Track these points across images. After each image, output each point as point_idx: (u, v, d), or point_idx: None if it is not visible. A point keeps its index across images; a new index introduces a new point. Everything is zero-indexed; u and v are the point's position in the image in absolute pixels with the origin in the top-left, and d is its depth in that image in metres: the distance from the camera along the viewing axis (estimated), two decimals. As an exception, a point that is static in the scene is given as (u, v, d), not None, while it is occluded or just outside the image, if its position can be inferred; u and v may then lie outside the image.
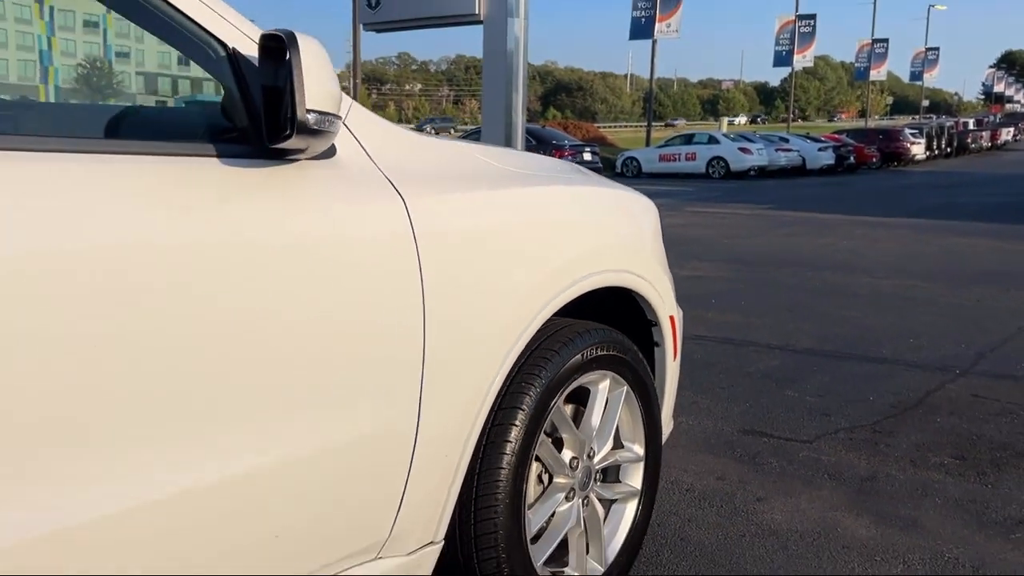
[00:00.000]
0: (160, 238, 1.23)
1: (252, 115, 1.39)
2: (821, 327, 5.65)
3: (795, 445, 3.47)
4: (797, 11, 43.85)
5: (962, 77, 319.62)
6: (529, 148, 13.38)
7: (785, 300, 6.65)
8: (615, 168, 27.35)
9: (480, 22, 12.06)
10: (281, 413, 1.40)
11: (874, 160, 32.98)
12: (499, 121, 9.72)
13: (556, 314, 2.00)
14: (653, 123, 35.74)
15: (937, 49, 63.76)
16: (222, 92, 1.45)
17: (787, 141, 30.30)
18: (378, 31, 18.38)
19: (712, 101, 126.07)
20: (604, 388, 2.17)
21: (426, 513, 1.74)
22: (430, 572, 1.84)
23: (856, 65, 54.72)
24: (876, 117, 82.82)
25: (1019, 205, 16.23)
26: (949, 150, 41.46)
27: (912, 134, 37.08)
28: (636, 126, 77.87)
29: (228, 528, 1.36)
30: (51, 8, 1.44)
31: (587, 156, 22.10)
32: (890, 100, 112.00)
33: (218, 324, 1.31)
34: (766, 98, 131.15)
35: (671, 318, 2.43)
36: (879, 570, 2.47)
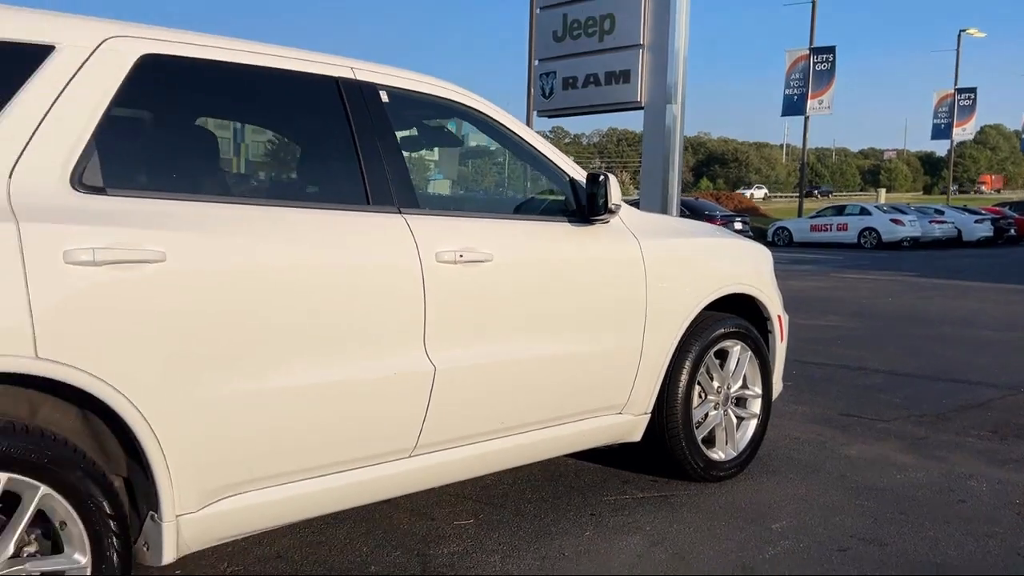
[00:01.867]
0: (557, 251, 3.16)
1: (579, 205, 3.30)
2: (925, 361, 7.08)
3: (877, 422, 5.04)
4: (956, 84, 43.84)
5: None
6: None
7: (901, 343, 8.07)
8: (767, 237, 28.49)
9: (641, 108, 14.18)
10: (596, 330, 3.29)
11: (1037, 232, 32.52)
12: (656, 194, 11.56)
13: (708, 307, 3.79)
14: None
15: (1118, 118, 60.94)
16: (564, 194, 3.38)
17: (942, 213, 30.57)
18: (550, 116, 20.74)
19: (873, 172, 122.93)
20: (737, 350, 3.94)
21: (644, 395, 3.56)
22: (642, 431, 3.65)
23: (1022, 136, 53.40)
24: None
25: None
26: None
27: (1083, 206, 36.15)
28: (790, 196, 77.69)
29: (575, 372, 3.24)
30: (507, 159, 3.48)
31: (737, 226, 23.56)
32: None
33: (578, 286, 3.21)
34: (931, 168, 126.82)
35: (779, 316, 4.17)
36: (910, 475, 4.05)
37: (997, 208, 34.78)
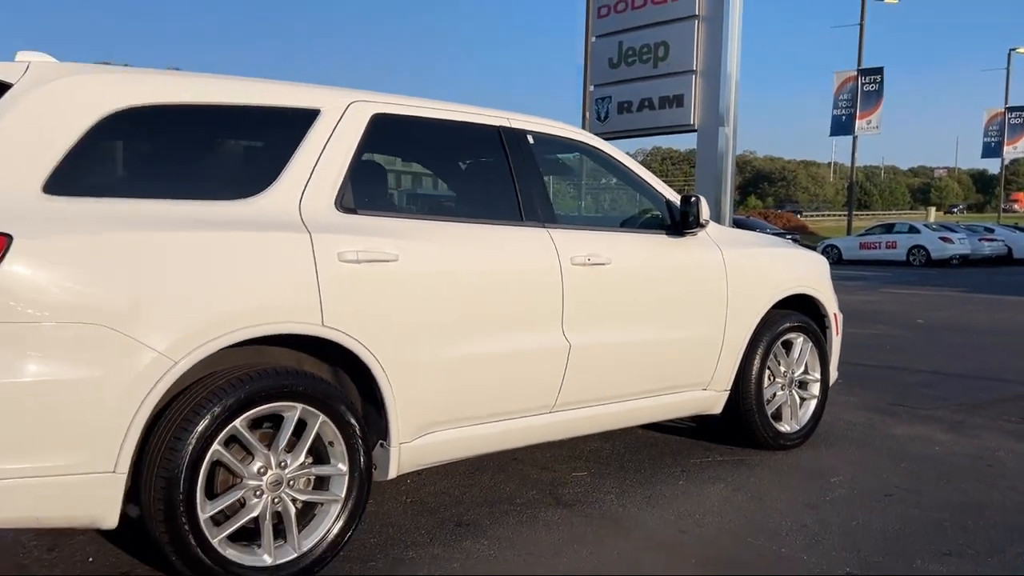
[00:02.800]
0: (658, 257, 4.04)
1: (674, 221, 4.16)
2: (966, 364, 7.78)
3: (920, 410, 5.80)
4: (1007, 103, 43.87)
5: None
6: (738, 236, 15.88)
7: (945, 349, 8.76)
8: (815, 255, 28.88)
9: (695, 130, 15.06)
10: (688, 320, 4.14)
11: (1091, 250, 32.45)
12: (710, 213, 12.33)
13: (776, 305, 4.62)
14: (861, 212, 36.83)
15: None
16: (658, 211, 4.24)
17: (992, 231, 30.75)
18: (605, 139, 21.61)
19: (923, 190, 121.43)
20: (800, 341, 4.75)
21: (725, 375, 4.40)
22: (723, 405, 4.48)
23: (1077, 153, 53.02)
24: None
25: None
26: None
27: None
28: (839, 215, 77.23)
29: (672, 353, 4.10)
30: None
31: (788, 244, 24.15)
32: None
33: (674, 285, 4.08)
34: (983, 186, 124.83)
35: (835, 314, 4.98)
36: (947, 448, 4.81)
37: (1049, 226, 34.79)
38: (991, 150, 44.50)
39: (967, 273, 24.32)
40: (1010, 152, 44.78)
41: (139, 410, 2.61)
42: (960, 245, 27.84)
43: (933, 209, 52.24)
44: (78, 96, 2.73)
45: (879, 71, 33.20)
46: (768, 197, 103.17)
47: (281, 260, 2.88)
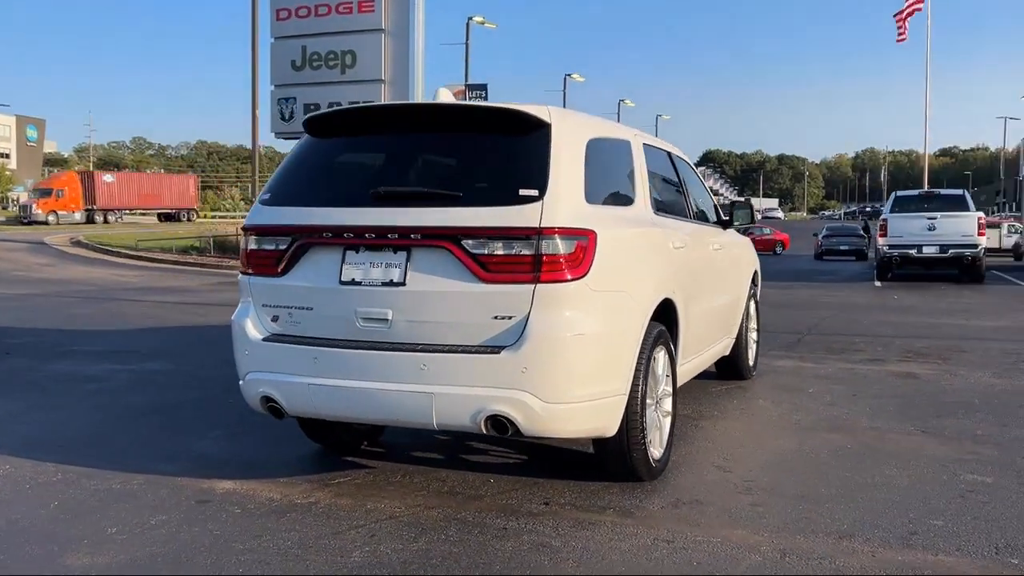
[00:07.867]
0: (716, 239, 5.79)
1: (721, 220, 5.96)
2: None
3: (771, 353, 8.25)
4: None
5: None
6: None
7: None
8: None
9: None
10: (730, 287, 5.97)
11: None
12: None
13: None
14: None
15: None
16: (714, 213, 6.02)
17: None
18: (287, 139, 22.34)
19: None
20: (752, 304, 6.82)
21: (738, 325, 6.31)
22: (731, 348, 6.39)
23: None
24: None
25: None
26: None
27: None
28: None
29: (726, 314, 5.90)
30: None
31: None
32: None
33: (726, 259, 5.88)
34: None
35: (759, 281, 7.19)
36: (826, 371, 7.23)
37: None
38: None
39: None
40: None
41: (637, 350, 3.74)
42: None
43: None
44: (576, 131, 3.78)
45: (484, 87, 37.41)
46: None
47: (665, 246, 4.16)
